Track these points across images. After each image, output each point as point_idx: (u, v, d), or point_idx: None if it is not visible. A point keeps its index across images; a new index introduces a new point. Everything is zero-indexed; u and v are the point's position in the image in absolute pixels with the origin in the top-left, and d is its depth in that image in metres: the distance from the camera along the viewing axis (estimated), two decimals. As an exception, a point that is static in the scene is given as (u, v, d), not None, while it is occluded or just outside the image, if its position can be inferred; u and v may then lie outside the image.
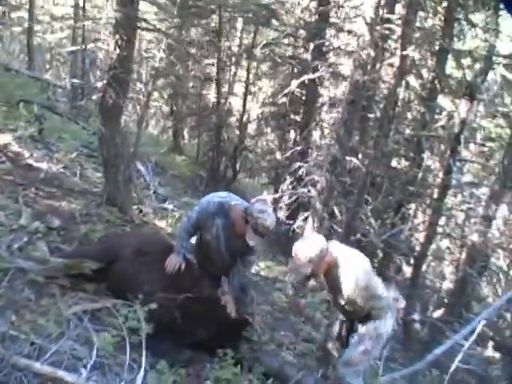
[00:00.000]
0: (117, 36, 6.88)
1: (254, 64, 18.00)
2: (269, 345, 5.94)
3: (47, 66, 26.43)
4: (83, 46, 13.37)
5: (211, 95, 18.42)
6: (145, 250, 4.96)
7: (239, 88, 19.55)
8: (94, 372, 3.27)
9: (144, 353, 3.49)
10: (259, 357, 5.07)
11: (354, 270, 4.35)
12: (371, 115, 12.44)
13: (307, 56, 13.64)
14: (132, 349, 3.61)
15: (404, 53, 9.56)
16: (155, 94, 18.85)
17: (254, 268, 6.35)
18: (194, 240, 5.57)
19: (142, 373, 3.24)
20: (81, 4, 16.77)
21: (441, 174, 12.61)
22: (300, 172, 11.66)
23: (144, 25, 7.77)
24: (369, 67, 9.63)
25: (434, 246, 18.07)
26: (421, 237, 13.71)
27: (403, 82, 11.21)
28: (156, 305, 4.32)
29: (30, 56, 20.05)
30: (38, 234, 5.61)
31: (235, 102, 18.31)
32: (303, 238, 4.57)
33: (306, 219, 11.03)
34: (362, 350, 4.58)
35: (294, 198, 11.77)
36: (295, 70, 15.15)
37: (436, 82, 11.88)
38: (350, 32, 12.33)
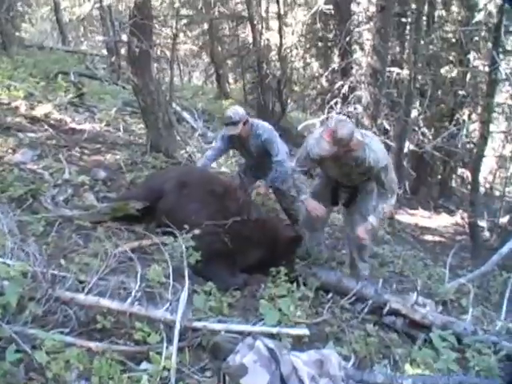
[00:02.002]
0: (131, -17, 6.82)
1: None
2: (329, 263, 5.96)
3: (82, 39, 26.55)
4: (98, 2, 13.20)
5: (247, 34, 18.14)
6: (187, 182, 4.97)
7: (274, 23, 19.18)
8: (142, 299, 3.31)
9: (186, 275, 3.50)
10: (316, 272, 5.07)
11: (380, 145, 4.75)
12: (406, 20, 12.00)
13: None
14: (180, 277, 3.63)
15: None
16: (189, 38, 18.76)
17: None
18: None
19: (185, 293, 3.25)
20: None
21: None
22: (344, 90, 11.42)
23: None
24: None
25: (496, 153, 17.62)
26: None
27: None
28: (204, 233, 4.35)
29: (62, 32, 20.20)
30: (84, 186, 5.74)
31: (272, 37, 17.97)
32: (337, 120, 4.47)
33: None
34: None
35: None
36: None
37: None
38: None
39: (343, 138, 4.31)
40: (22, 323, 2.86)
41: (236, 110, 5.85)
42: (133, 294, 3.29)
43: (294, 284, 4.46)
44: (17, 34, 14.94)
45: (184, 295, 3.22)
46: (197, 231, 4.21)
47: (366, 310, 4.75)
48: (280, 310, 3.76)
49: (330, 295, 4.91)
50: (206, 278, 4.21)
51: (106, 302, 3.12)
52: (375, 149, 4.58)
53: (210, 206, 4.74)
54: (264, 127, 5.94)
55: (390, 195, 4.86)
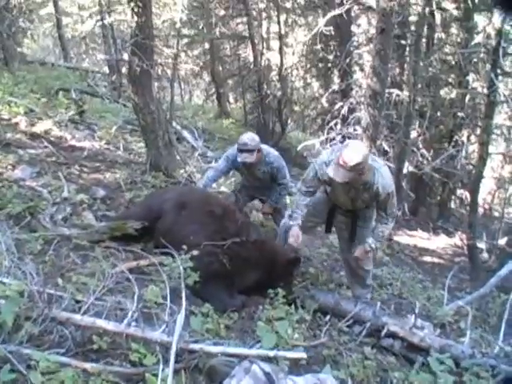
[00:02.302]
0: (132, 3, 6.85)
1: (284, 16, 17.65)
2: (327, 285, 5.99)
3: (83, 56, 26.69)
4: (100, 21, 13.29)
5: (248, 54, 18.26)
6: (185, 203, 4.96)
7: (275, 43, 19.32)
8: (138, 320, 3.29)
9: (184, 296, 3.49)
10: (314, 295, 5.08)
11: (389, 172, 4.79)
12: (405, 42, 12.08)
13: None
14: (178, 298, 3.62)
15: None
16: (190, 57, 18.85)
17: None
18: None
19: (182, 315, 3.23)
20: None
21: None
22: (343, 111, 11.46)
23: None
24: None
25: (495, 174, 17.65)
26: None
27: (434, 5, 10.77)
28: (203, 254, 4.34)
29: (64, 48, 20.32)
30: (83, 204, 5.74)
31: (273, 57, 18.08)
32: (352, 146, 4.46)
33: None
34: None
35: (340, 138, 11.55)
36: (327, 14, 14.82)
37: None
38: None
39: (360, 164, 4.32)
40: (17, 343, 2.84)
41: (252, 137, 5.86)
42: (129, 314, 3.27)
43: (292, 306, 4.45)
44: (18, 49, 14.95)
45: (181, 317, 3.20)
46: (195, 252, 4.20)
47: (363, 332, 4.74)
48: (277, 332, 3.73)
49: (328, 317, 4.92)
50: (204, 299, 4.20)
51: (102, 323, 3.11)
52: (384, 175, 4.62)
53: (208, 227, 4.72)
54: (274, 156, 6.08)
55: (390, 219, 4.88)
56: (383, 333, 4.71)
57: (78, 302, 3.42)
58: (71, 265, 4.15)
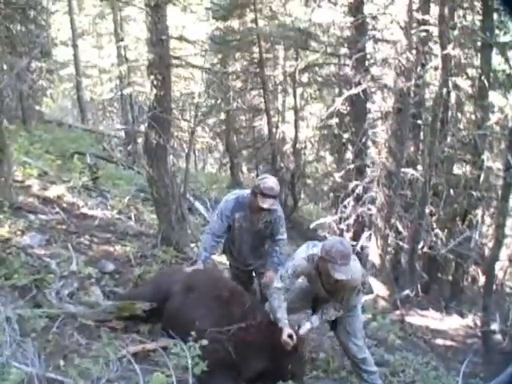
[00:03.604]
0: (152, 77, 6.92)
1: (301, 89, 17.88)
2: (338, 372, 5.74)
3: (101, 119, 27.07)
4: (119, 92, 13.50)
5: (263, 126, 18.42)
6: (192, 285, 4.85)
7: (290, 115, 19.52)
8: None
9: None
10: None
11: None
12: (421, 122, 12.11)
13: (350, 73, 13.43)
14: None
15: (445, 52, 9.26)
16: (206, 132, 19.03)
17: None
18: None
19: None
20: (122, 52, 17.17)
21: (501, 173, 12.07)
22: (358, 190, 11.40)
23: (177, 62, 7.78)
24: (412, 74, 9.37)
25: (508, 251, 17.39)
26: (491, 243, 13.12)
27: (450, 84, 10.84)
28: (208, 341, 4.17)
29: (82, 110, 20.63)
30: (91, 279, 5.62)
31: (288, 130, 18.22)
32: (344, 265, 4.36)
33: (369, 238, 10.71)
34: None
35: (354, 217, 11.46)
36: (342, 90, 15.00)
37: (484, 78, 11.46)
38: (388, 41, 12.08)
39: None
40: None
41: (277, 182, 5.40)
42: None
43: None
44: (37, 108, 15.16)
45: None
46: (204, 341, 4.04)
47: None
48: None
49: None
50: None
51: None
52: (356, 270, 4.54)
53: (214, 312, 4.59)
54: (276, 202, 5.55)
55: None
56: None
57: (79, 389, 3.26)
58: (75, 345, 4.01)
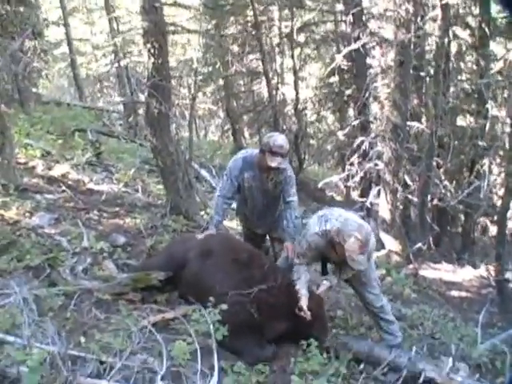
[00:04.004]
0: (148, 45, 6.78)
1: (298, 50, 17.63)
2: (357, 329, 5.72)
3: (98, 95, 26.88)
4: (116, 64, 13.33)
5: (262, 89, 18.24)
6: (209, 250, 4.78)
7: (289, 77, 19.30)
8: (169, 383, 3.07)
9: (216, 356, 3.28)
10: (347, 342, 4.84)
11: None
12: (424, 74, 11.94)
13: (348, 29, 13.24)
14: (207, 354, 3.41)
15: (444, 2, 9.08)
16: (207, 97, 18.88)
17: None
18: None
19: (215, 378, 3.02)
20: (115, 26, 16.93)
21: (508, 121, 11.93)
22: (363, 146, 11.31)
23: (173, 28, 7.63)
24: (412, 25, 9.18)
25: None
26: (501, 192, 13.04)
27: (451, 34, 10.67)
28: (229, 304, 4.13)
29: (79, 87, 20.47)
30: (103, 253, 5.57)
31: (287, 92, 18.03)
32: (363, 229, 4.32)
33: (378, 194, 10.63)
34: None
35: (361, 174, 11.38)
36: (341, 48, 14.82)
37: (484, 26, 11.27)
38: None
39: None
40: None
41: (286, 139, 5.16)
42: (159, 378, 3.05)
43: (325, 355, 4.23)
44: (34, 90, 14.99)
45: (214, 380, 2.99)
46: (224, 306, 4.00)
47: (400, 381, 4.49)
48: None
49: (362, 366, 4.67)
50: (233, 352, 4.00)
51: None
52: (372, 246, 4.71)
53: (234, 275, 4.55)
54: (286, 162, 5.35)
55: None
56: (421, 380, 4.46)
57: (102, 363, 3.22)
58: (94, 321, 3.96)
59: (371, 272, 5.04)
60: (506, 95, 13.44)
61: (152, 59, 6.80)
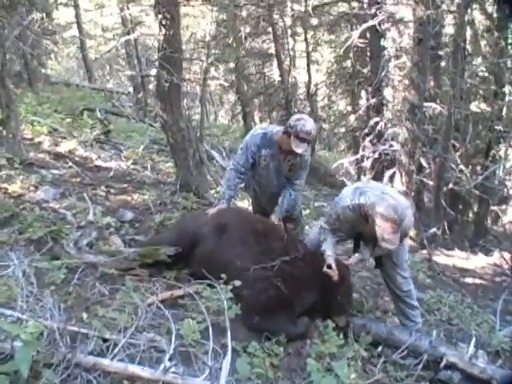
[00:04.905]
0: (159, 16, 6.52)
1: (311, 32, 17.33)
2: (373, 312, 5.54)
3: (108, 77, 26.73)
4: (126, 35, 13.08)
5: (273, 72, 18.00)
6: (224, 224, 4.55)
7: (300, 61, 19.03)
8: (177, 363, 2.83)
9: (229, 336, 3.05)
10: (365, 324, 4.62)
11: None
12: (442, 53, 11.65)
13: (362, 9, 12.93)
14: (218, 333, 3.19)
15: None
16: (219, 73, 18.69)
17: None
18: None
19: (228, 358, 2.79)
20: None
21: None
22: (378, 127, 11.04)
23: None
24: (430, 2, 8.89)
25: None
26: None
27: (471, 14, 10.37)
28: (253, 280, 4.02)
29: (88, 69, 20.31)
30: (110, 228, 5.38)
31: (299, 75, 17.77)
32: (394, 206, 4.07)
33: (392, 176, 10.36)
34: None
35: (375, 156, 11.11)
36: (355, 29, 14.52)
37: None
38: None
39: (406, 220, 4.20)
40: (35, 394, 2.42)
41: (314, 125, 4.90)
42: (166, 358, 2.80)
43: (341, 336, 4.03)
44: (43, 70, 14.80)
45: (227, 361, 2.75)
46: (237, 282, 3.78)
47: (420, 365, 4.27)
48: (330, 371, 3.28)
49: (380, 349, 4.45)
50: (263, 332, 3.79)
51: (135, 369, 2.65)
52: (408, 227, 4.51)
53: (254, 249, 4.33)
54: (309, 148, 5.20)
55: None
56: (442, 365, 4.23)
57: (105, 340, 2.99)
58: (97, 296, 3.72)
59: (404, 254, 4.83)
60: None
61: (163, 31, 6.54)
